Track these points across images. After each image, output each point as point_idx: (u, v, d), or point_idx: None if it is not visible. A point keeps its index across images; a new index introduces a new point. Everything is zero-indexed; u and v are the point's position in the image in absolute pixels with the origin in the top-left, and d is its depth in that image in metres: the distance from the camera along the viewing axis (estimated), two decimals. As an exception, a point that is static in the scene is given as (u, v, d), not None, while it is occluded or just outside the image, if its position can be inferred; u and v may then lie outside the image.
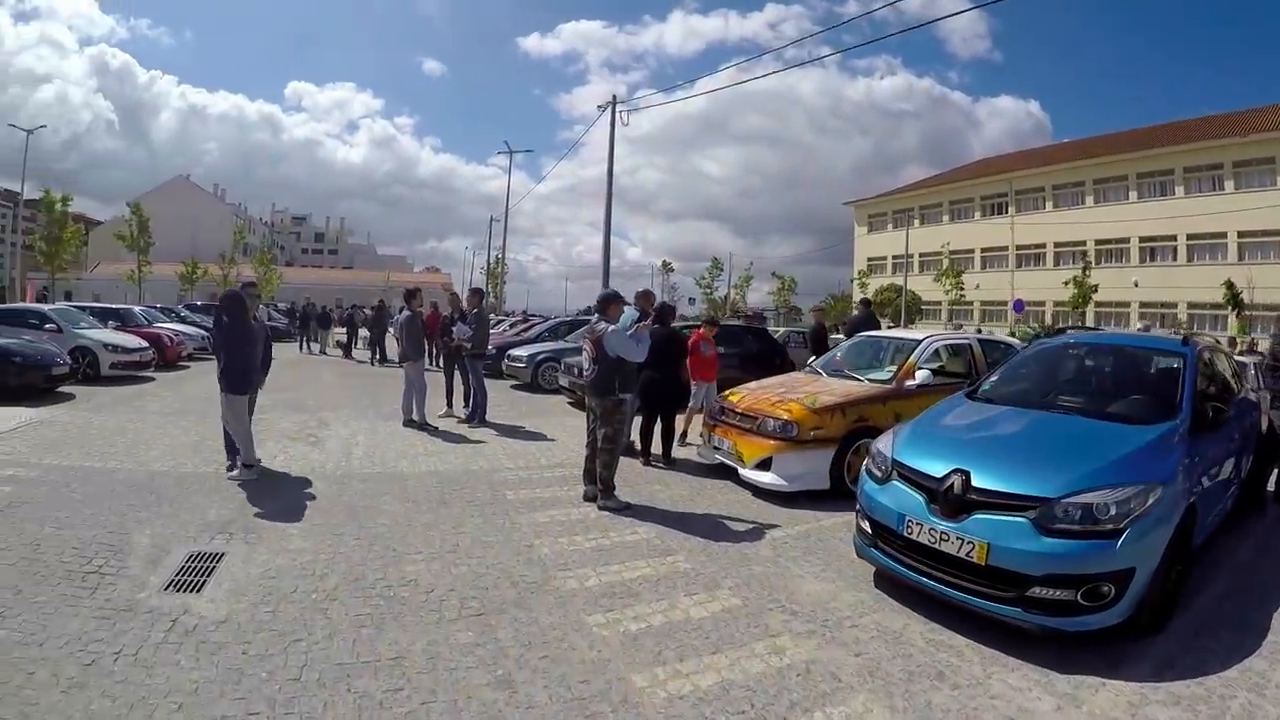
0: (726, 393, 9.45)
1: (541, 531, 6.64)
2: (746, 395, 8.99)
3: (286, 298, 55.67)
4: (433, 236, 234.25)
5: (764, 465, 8.13)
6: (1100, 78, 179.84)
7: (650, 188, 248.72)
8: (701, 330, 11.11)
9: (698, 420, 10.30)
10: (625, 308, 7.88)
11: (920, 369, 9.00)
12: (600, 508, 7.36)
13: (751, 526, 7.08)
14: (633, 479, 8.52)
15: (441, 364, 14.09)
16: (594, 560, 5.98)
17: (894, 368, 9.64)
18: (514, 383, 17.75)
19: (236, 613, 4.71)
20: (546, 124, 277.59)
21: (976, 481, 4.92)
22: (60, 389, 14.02)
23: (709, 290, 62.84)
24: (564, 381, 15.11)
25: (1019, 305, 41.79)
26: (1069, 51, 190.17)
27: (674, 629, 4.79)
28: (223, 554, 5.74)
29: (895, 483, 5.47)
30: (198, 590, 5.05)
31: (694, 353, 10.55)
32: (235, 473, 8.09)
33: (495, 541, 6.31)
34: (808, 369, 10.53)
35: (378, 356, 24.95)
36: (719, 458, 8.91)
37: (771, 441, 8.11)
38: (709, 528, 6.97)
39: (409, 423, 11.64)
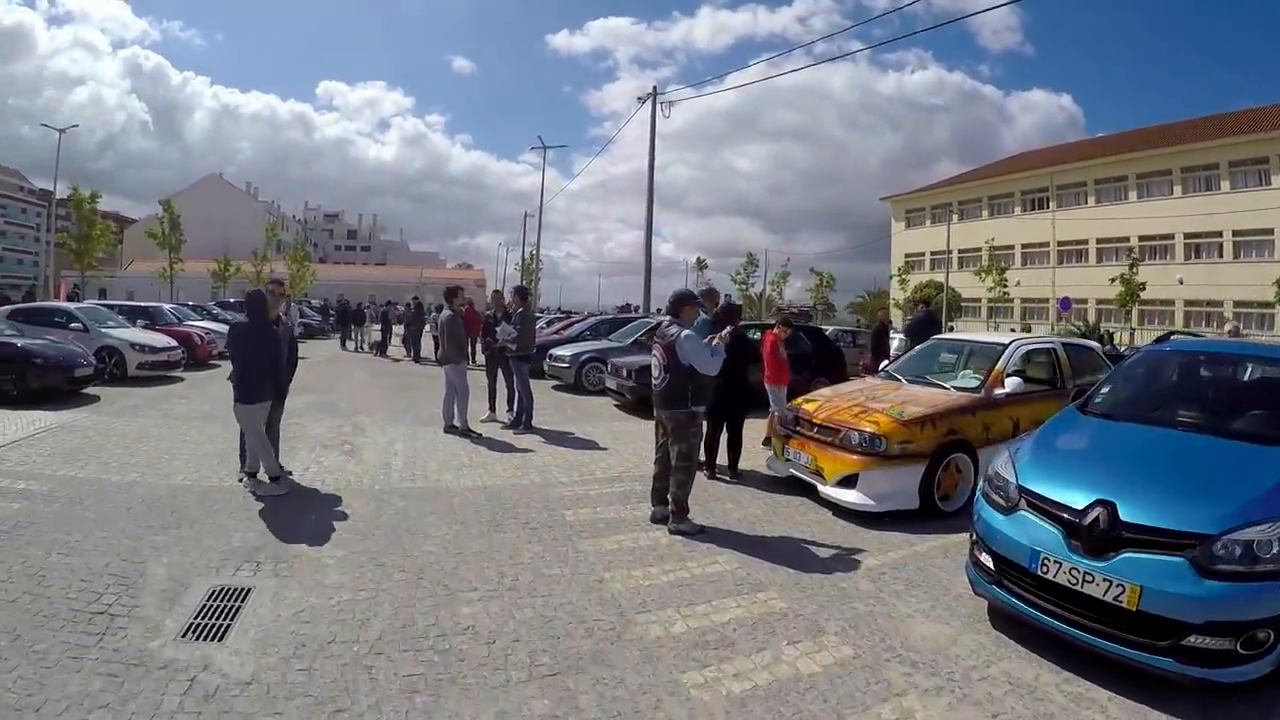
0: (800, 400, 8.62)
1: (611, 561, 5.83)
2: (824, 404, 8.15)
3: (320, 295, 55.79)
4: (465, 233, 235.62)
5: (847, 482, 7.32)
6: (1134, 71, 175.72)
7: (681, 184, 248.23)
8: (776, 331, 10.31)
9: None
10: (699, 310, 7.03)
11: (1009, 376, 8.24)
12: (672, 531, 6.54)
13: (841, 554, 6.28)
14: (700, 495, 7.66)
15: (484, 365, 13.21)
16: (676, 598, 5.16)
17: (969, 372, 8.97)
18: (555, 383, 16.89)
19: (265, 670, 3.95)
20: (577, 121, 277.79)
21: (1124, 515, 4.19)
22: (85, 390, 13.47)
23: (744, 287, 61.67)
24: (612, 384, 14.28)
25: (1065, 303, 40.43)
26: (1102, 44, 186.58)
27: (784, 690, 4.00)
28: (249, 590, 5.01)
29: (1024, 513, 4.69)
30: (220, 638, 4.31)
31: (773, 354, 9.77)
32: (244, 481, 7.45)
33: (559, 575, 5.49)
34: (883, 374, 9.67)
35: (413, 354, 24.70)
36: (793, 471, 8.10)
37: (856, 456, 7.29)
38: (795, 555, 6.16)
39: (450, 429, 10.89)
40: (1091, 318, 44.42)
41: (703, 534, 6.50)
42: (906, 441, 7.22)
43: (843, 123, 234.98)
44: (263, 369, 7.33)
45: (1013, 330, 39.10)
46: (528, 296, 12.08)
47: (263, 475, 7.43)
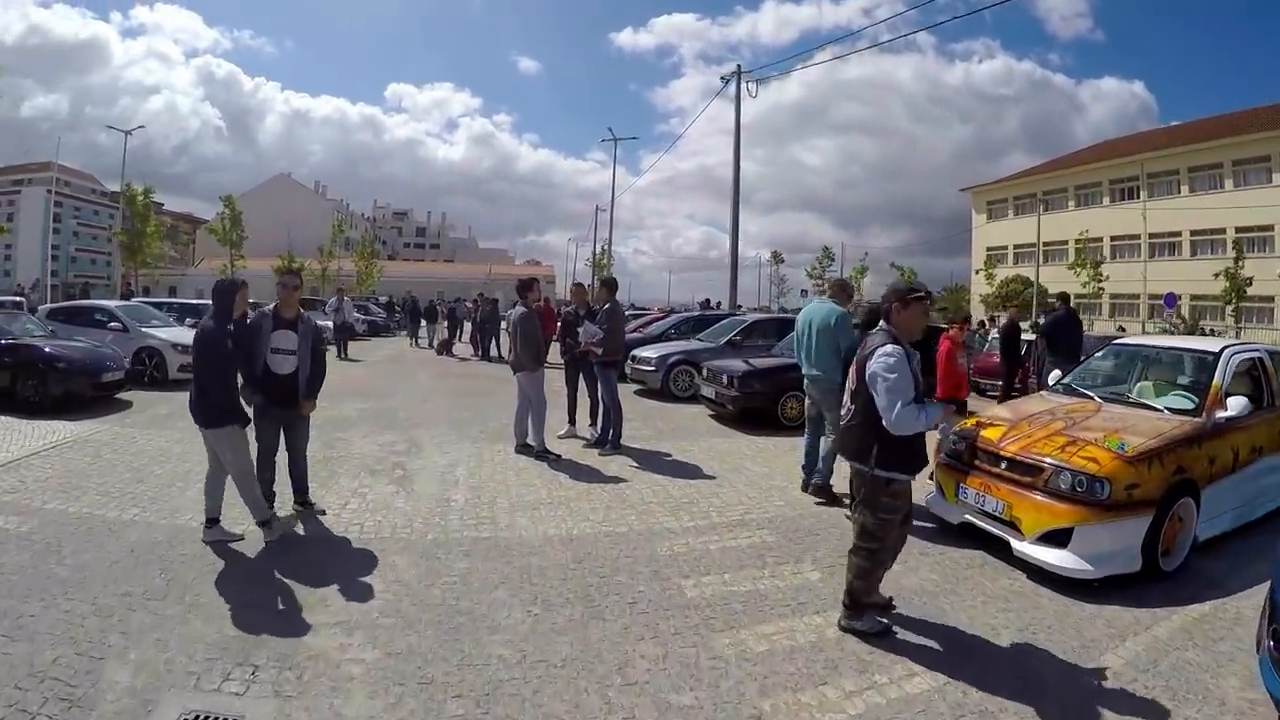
0: (970, 422, 6.71)
1: (765, 676, 3.94)
2: (1009, 430, 6.22)
3: (388, 291, 55.37)
4: (533, 231, 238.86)
5: (1054, 539, 5.42)
6: (1209, 53, 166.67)
7: (748, 179, 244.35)
8: (952, 334, 8.46)
9: None
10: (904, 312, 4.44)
11: (1232, 395, 6.38)
12: (843, 628, 4.55)
13: (1068, 647, 4.47)
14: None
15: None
16: (879, 751, 3.33)
17: (1147, 385, 7.31)
18: (638, 388, 14.96)
19: None
20: (643, 118, 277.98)
21: None
22: (119, 396, 12.18)
23: (821, 283, 59.08)
24: (709, 392, 12.25)
25: (1170, 300, 37.73)
26: (1174, 27, 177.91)
27: None
28: (237, 721, 3.33)
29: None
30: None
31: (949, 363, 7.97)
32: (268, 529, 5.78)
33: (695, 707, 3.62)
34: (1060, 387, 7.73)
35: (481, 353, 23.53)
36: (969, 518, 6.18)
37: (1068, 505, 5.39)
38: (1013, 655, 4.34)
39: (522, 448, 9.08)
40: (1186, 314, 41.63)
41: (889, 635, 4.52)
42: (1133, 485, 5.35)
43: (910, 115, 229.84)
44: (208, 384, 5.54)
45: (1121, 329, 36.33)
46: (616, 290, 10.15)
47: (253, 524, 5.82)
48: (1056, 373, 8.32)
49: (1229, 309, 39.32)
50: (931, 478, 7.40)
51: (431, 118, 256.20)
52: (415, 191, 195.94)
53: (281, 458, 6.35)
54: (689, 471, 8.50)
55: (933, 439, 5.16)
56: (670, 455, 9.32)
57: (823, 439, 7.55)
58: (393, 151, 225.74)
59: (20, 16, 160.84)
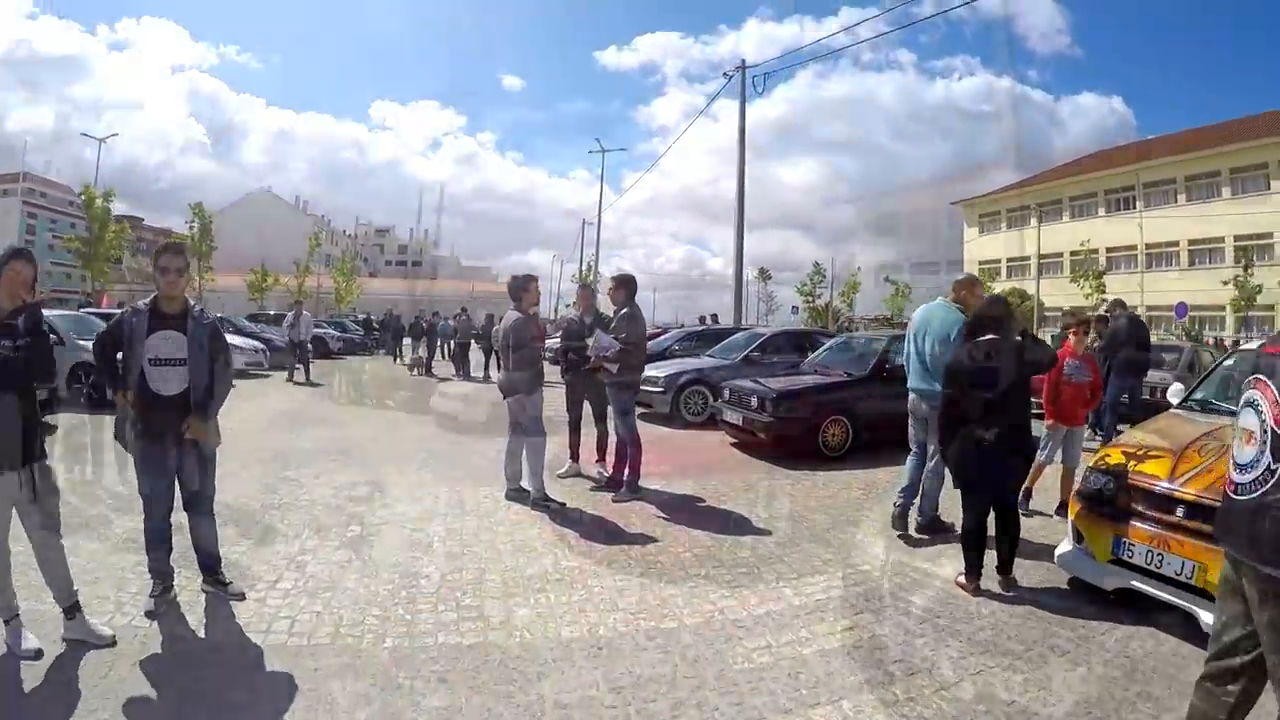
0: (1114, 453, 5.06)
1: None
2: (1179, 462, 4.58)
3: (369, 308, 53.96)
4: (516, 249, 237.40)
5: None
6: (1188, 69, 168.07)
7: (729, 198, 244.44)
8: (1071, 340, 6.91)
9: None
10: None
11: None
12: None
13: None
14: (975, 633, 4.26)
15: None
16: None
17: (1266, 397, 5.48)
18: (641, 411, 12.86)
19: None
20: (627, 136, 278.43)
21: None
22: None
23: (810, 299, 57.50)
24: (733, 417, 10.24)
25: (1181, 310, 36.72)
26: (1151, 43, 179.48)
27: None
28: None
29: None
30: None
31: (1056, 374, 6.63)
32: (154, 607, 4.29)
33: None
34: (1195, 404, 6.11)
35: (463, 372, 22.14)
36: (1136, 584, 4.48)
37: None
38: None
39: (515, 493, 7.18)
40: (1187, 324, 40.73)
41: None
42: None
43: (891, 132, 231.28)
44: None
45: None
46: (635, 290, 7.99)
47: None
48: (1178, 386, 6.75)
49: (1231, 319, 39.16)
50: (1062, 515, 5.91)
51: (416, 136, 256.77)
52: (398, 209, 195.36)
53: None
54: (733, 524, 6.56)
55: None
56: (702, 500, 7.39)
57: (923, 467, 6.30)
58: (376, 169, 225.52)
59: (5, 29, 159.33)
